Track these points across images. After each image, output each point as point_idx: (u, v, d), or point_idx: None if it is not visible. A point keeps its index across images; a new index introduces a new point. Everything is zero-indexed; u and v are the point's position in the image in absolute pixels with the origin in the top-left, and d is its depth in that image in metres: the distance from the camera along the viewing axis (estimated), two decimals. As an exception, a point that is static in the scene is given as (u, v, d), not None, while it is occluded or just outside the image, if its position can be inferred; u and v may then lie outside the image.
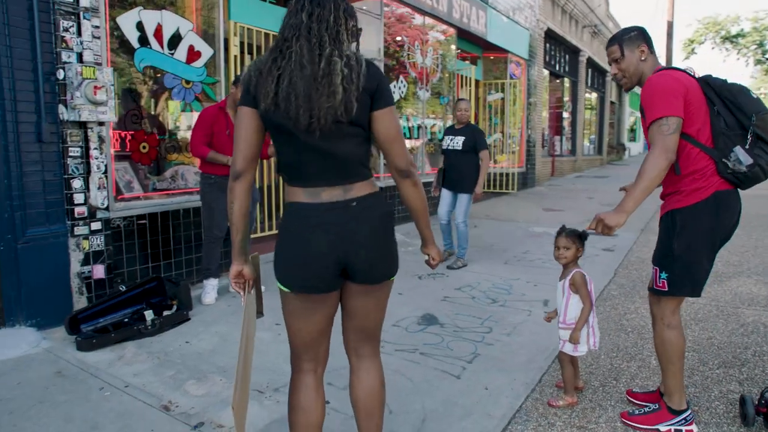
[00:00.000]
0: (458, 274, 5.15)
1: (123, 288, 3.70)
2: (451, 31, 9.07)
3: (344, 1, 1.68)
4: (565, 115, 17.47)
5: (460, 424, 2.50)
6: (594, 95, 20.96)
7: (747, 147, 2.16)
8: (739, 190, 2.30)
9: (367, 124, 1.67)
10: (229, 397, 2.69)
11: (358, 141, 1.68)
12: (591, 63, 18.78)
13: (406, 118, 8.16)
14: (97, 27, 3.72)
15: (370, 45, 7.38)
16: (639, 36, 2.37)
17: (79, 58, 3.62)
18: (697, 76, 2.28)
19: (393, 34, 7.77)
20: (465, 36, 9.75)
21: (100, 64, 3.72)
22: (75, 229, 3.70)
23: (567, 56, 16.41)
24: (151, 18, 4.24)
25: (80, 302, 3.73)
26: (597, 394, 2.79)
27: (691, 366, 3.09)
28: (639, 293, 4.50)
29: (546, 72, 14.63)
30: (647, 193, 2.16)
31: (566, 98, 17.37)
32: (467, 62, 10.82)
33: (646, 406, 2.52)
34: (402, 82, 7.81)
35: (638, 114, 32.14)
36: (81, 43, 3.62)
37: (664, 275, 2.33)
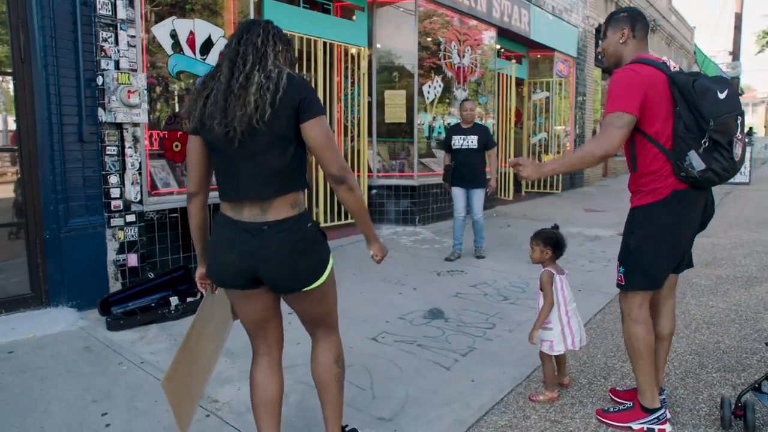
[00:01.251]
0: (477, 271, 5.21)
1: (151, 275, 4.04)
2: (492, 30, 9.05)
3: (275, 28, 1.86)
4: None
5: (437, 412, 2.61)
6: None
7: (702, 151, 2.14)
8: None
9: (294, 136, 1.77)
10: (231, 378, 2.93)
11: (281, 154, 1.76)
12: (650, 59, 18.01)
13: (442, 118, 8.24)
14: (133, 36, 4.07)
15: (406, 45, 7.52)
16: (625, 19, 2.37)
17: (116, 65, 3.98)
18: (672, 69, 2.25)
19: (428, 34, 7.87)
20: (508, 35, 9.70)
21: (135, 71, 4.07)
22: (111, 220, 4.08)
23: (623, 53, 15.84)
24: (184, 26, 4.59)
25: (116, 287, 4.10)
26: (582, 391, 2.82)
27: (688, 369, 3.05)
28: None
29: (598, 70, 14.20)
30: (571, 168, 2.36)
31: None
32: (513, 61, 10.74)
33: (622, 403, 2.55)
34: (437, 82, 7.90)
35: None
36: (118, 51, 3.99)
37: (621, 269, 2.37)
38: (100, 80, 3.93)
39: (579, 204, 10.11)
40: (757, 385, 2.36)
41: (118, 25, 3.98)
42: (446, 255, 5.77)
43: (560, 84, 11.41)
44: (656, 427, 2.38)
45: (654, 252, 2.29)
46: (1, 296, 3.76)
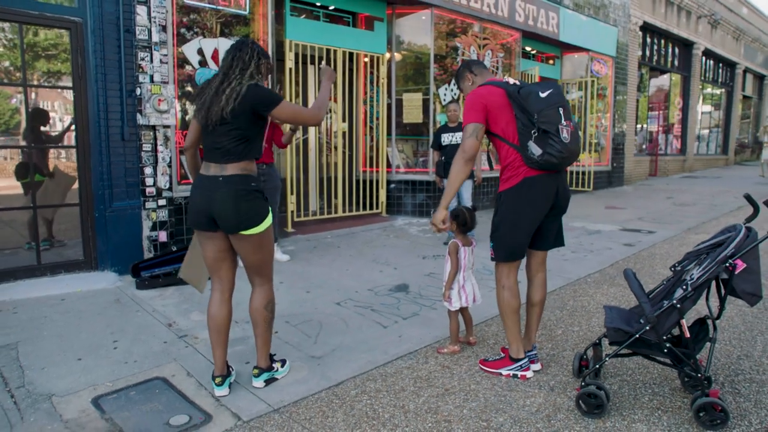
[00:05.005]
0: (460, 257, 5.81)
1: (174, 248, 5.00)
2: (516, 34, 9.47)
3: (258, 46, 2.72)
4: (675, 112, 16.48)
5: (358, 355, 3.32)
6: (720, 90, 19.30)
7: (535, 140, 2.70)
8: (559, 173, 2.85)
9: (247, 127, 2.60)
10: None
11: (235, 136, 2.59)
12: (712, 55, 17.41)
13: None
14: (165, 55, 5.05)
15: (422, 51, 8.15)
16: (463, 69, 3.10)
17: (151, 79, 4.97)
18: (510, 86, 2.83)
19: (446, 39, 8.45)
20: (538, 37, 10.04)
21: (166, 83, 5.05)
22: (146, 204, 5.09)
23: (676, 50, 15.51)
24: (209, 44, 5.52)
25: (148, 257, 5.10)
26: (483, 349, 3.43)
27: (586, 337, 3.56)
28: (613, 281, 4.84)
29: (644, 68, 14.05)
30: (453, 185, 2.86)
31: (675, 94, 16.37)
32: (549, 62, 11.05)
33: (499, 354, 3.14)
34: (454, 84, 8.46)
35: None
36: (152, 68, 4.97)
37: (491, 245, 2.96)
38: (138, 91, 4.93)
39: (604, 201, 10.29)
40: (597, 341, 2.89)
41: (153, 46, 4.97)
42: (443, 241, 6.47)
43: (592, 83, 11.53)
44: (519, 373, 2.97)
45: (510, 229, 2.86)
46: (61, 260, 4.86)
